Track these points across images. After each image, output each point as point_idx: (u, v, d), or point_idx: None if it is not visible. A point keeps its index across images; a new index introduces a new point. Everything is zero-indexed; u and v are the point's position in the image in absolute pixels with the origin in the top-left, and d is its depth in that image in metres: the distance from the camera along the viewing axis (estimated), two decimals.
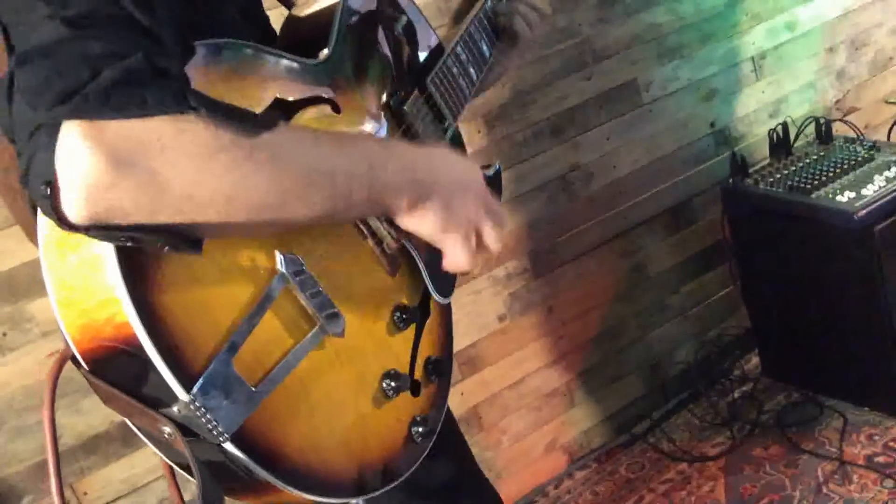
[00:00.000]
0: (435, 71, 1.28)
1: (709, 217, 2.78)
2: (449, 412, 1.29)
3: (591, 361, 2.67)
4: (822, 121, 2.69)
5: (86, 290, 0.83)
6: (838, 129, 2.75)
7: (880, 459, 2.34)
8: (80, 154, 0.74)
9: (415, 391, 1.14)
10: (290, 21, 1.22)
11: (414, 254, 1.18)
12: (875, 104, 3.11)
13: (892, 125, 2.82)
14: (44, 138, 0.74)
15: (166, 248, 0.81)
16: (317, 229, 1.03)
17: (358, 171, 0.93)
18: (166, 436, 0.85)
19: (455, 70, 1.32)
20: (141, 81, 0.76)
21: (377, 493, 1.04)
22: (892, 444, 2.38)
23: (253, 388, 0.88)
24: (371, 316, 1.10)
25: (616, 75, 2.56)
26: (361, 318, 1.07)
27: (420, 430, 1.12)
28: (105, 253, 0.81)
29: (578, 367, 2.65)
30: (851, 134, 2.75)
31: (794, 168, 2.56)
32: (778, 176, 2.54)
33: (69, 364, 0.93)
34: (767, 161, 2.68)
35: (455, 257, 1.05)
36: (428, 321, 1.21)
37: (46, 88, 0.74)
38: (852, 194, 2.33)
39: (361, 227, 1.10)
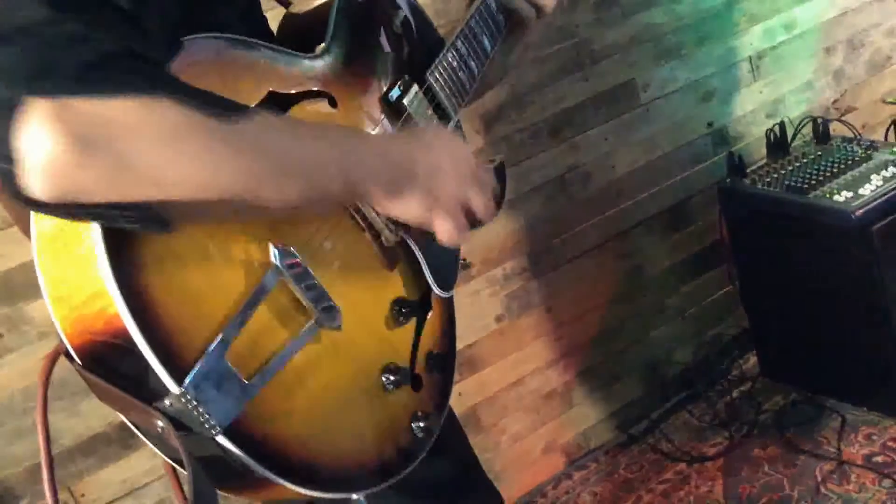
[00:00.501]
0: (435, 64, 1.27)
1: (707, 217, 2.77)
2: (450, 409, 1.29)
3: (590, 362, 2.67)
4: (819, 121, 2.69)
5: (77, 283, 0.83)
6: (836, 128, 2.75)
7: (879, 459, 2.34)
8: (45, 132, 0.73)
9: (415, 386, 1.14)
10: (288, 18, 1.22)
11: (413, 247, 1.17)
12: (872, 104, 3.11)
13: (890, 125, 2.82)
14: (11, 115, 0.74)
15: (131, 226, 0.81)
16: (313, 222, 1.03)
17: (333, 159, 0.93)
18: (159, 430, 0.85)
19: (455, 63, 1.31)
20: (115, 64, 0.76)
21: (377, 489, 1.03)
22: (890, 443, 2.38)
23: (246, 381, 0.88)
24: (369, 309, 1.10)
25: (614, 76, 2.56)
26: (359, 312, 1.06)
27: (421, 425, 1.11)
28: (96, 246, 0.81)
29: (577, 367, 2.65)
30: (849, 134, 2.75)
31: (791, 168, 2.57)
32: (775, 176, 2.54)
33: (67, 366, 0.92)
34: (765, 161, 2.68)
35: (444, 234, 1.05)
36: (429, 315, 1.20)
37: (21, 67, 0.74)
38: (850, 194, 2.33)
39: (359, 219, 1.10)
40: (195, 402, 0.83)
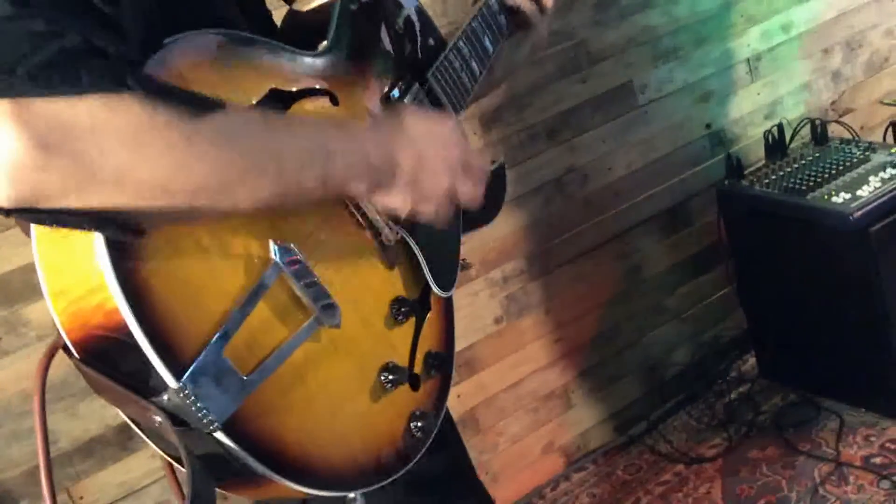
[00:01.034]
0: (436, 65, 1.27)
1: (705, 218, 2.78)
2: (447, 410, 1.29)
3: (588, 363, 2.67)
4: (817, 122, 2.70)
5: (76, 278, 0.83)
6: (834, 130, 2.75)
7: (877, 460, 2.34)
8: (4, 134, 0.71)
9: (414, 385, 1.13)
10: (291, 15, 1.22)
11: (413, 247, 1.17)
12: (870, 105, 3.11)
13: (888, 126, 2.82)
14: None
15: (97, 232, 0.79)
16: (313, 220, 1.02)
17: (310, 156, 0.92)
18: (157, 425, 0.85)
19: (457, 64, 1.31)
20: (76, 61, 0.74)
21: (374, 487, 1.03)
22: (888, 444, 2.38)
23: (245, 378, 0.88)
24: (369, 308, 1.09)
25: (611, 78, 2.56)
26: (359, 310, 1.06)
27: (419, 424, 1.11)
28: (95, 239, 0.81)
29: (575, 368, 2.65)
30: (847, 135, 2.75)
31: (789, 169, 2.57)
32: (773, 177, 2.55)
33: (66, 368, 0.92)
34: (763, 162, 2.68)
35: (433, 221, 1.07)
36: (429, 315, 1.20)
37: None
38: (848, 195, 2.33)
39: (359, 217, 1.10)
40: (193, 398, 0.83)
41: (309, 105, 1.05)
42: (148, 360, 0.82)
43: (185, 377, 0.83)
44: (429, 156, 1.05)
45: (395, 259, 1.15)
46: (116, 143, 0.76)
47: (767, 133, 2.68)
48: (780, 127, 2.68)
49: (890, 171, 2.39)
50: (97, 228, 0.79)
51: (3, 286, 1.81)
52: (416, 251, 1.18)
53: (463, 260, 1.31)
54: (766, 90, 2.87)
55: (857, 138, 2.70)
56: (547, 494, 2.61)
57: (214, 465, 0.88)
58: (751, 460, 2.49)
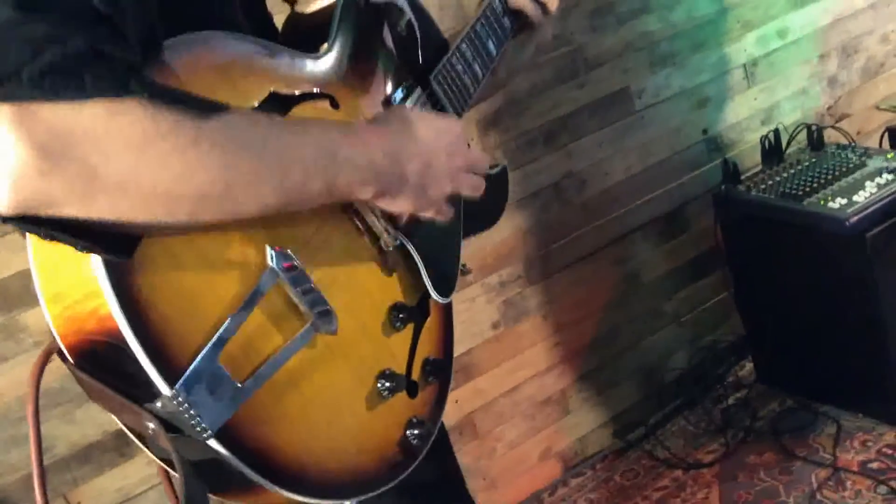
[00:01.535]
0: (439, 68, 1.27)
1: (702, 224, 2.78)
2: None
3: (586, 369, 2.67)
4: (813, 127, 2.70)
5: (71, 283, 0.83)
6: (830, 135, 2.76)
7: (874, 466, 2.34)
8: (7, 140, 0.71)
9: (412, 392, 1.13)
10: (293, 18, 1.21)
11: (413, 252, 1.16)
12: (866, 111, 3.12)
13: (884, 132, 2.83)
14: None
15: (88, 250, 0.78)
16: (310, 225, 1.02)
17: (315, 161, 0.91)
18: (150, 432, 0.85)
19: (460, 67, 1.31)
20: (80, 65, 0.73)
21: (370, 496, 1.03)
22: (885, 450, 2.38)
23: (239, 385, 0.87)
24: (366, 314, 1.09)
25: (608, 83, 2.57)
26: (356, 317, 1.06)
27: (416, 431, 1.10)
28: None
29: (573, 374, 2.65)
30: (843, 140, 2.76)
31: (786, 175, 2.57)
32: (770, 182, 2.55)
33: (63, 374, 0.92)
34: (759, 168, 2.69)
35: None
36: (427, 321, 1.19)
37: None
38: (844, 201, 2.34)
39: (357, 223, 1.09)
40: (186, 405, 0.82)
41: (309, 108, 1.04)
42: (141, 366, 0.81)
43: (178, 384, 0.82)
44: (435, 161, 1.05)
45: (393, 265, 1.14)
46: (120, 149, 0.75)
47: (764, 138, 2.68)
48: (776, 132, 2.69)
49: (886, 176, 2.40)
50: (86, 248, 0.78)
51: (1, 292, 1.81)
52: (414, 257, 1.17)
53: (463, 265, 1.31)
54: (763, 95, 2.87)
55: (853, 144, 2.70)
56: (545, 500, 2.61)
57: (209, 471, 0.88)
58: (748, 465, 2.49)
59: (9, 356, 1.84)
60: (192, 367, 0.83)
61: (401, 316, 1.13)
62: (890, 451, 2.37)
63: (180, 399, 0.82)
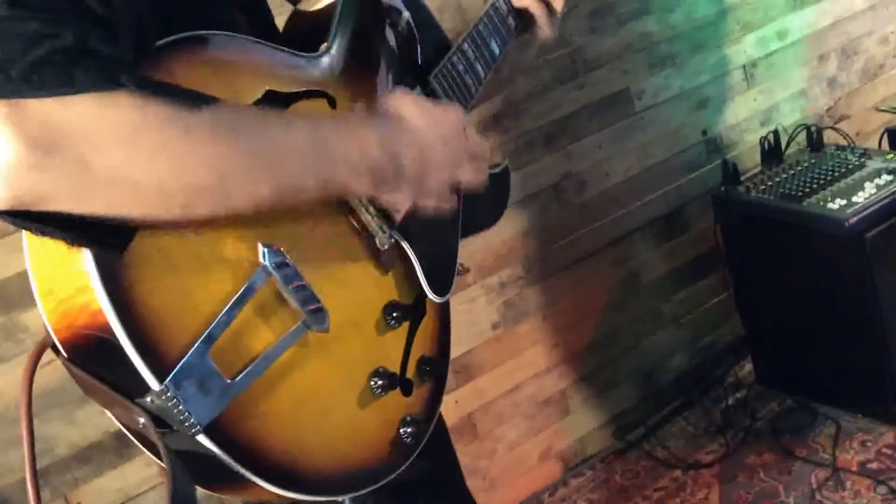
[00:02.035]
0: (439, 67, 1.26)
1: (701, 225, 2.78)
2: (440, 416, 1.28)
3: (586, 369, 2.68)
4: (813, 128, 2.71)
5: (64, 278, 0.83)
6: (829, 136, 2.76)
7: (873, 466, 2.34)
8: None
9: (406, 390, 1.12)
10: (295, 16, 1.21)
11: (408, 251, 1.16)
12: (866, 112, 3.12)
13: (883, 133, 2.83)
14: None
15: (80, 245, 0.79)
16: (304, 223, 1.01)
17: (309, 154, 0.91)
18: (140, 426, 0.85)
19: (461, 67, 1.30)
20: (69, 60, 0.74)
21: (363, 493, 1.03)
22: (885, 450, 2.38)
23: (229, 381, 0.87)
24: (360, 313, 1.08)
25: (608, 84, 2.57)
26: (349, 315, 1.05)
27: (410, 430, 1.10)
28: None
29: (573, 374, 2.66)
30: (842, 141, 2.76)
31: (785, 176, 2.58)
32: (769, 183, 2.55)
33: (62, 374, 0.92)
34: (759, 169, 2.69)
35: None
36: (424, 320, 1.18)
37: None
38: (843, 202, 2.34)
39: (353, 222, 1.09)
40: (175, 400, 0.82)
41: (305, 107, 1.04)
42: (131, 361, 0.81)
43: (167, 379, 0.82)
44: (432, 150, 1.04)
45: (389, 263, 1.14)
46: (111, 142, 0.75)
47: (763, 139, 2.69)
48: (775, 133, 2.69)
49: (885, 177, 2.40)
50: (77, 242, 0.79)
51: (0, 292, 1.81)
52: (410, 255, 1.17)
53: (460, 265, 1.31)
54: (762, 97, 2.88)
55: (852, 145, 2.71)
56: (545, 500, 2.61)
57: (199, 466, 0.88)
58: (748, 466, 2.49)
59: (8, 357, 1.84)
60: (181, 363, 0.84)
61: (395, 314, 1.12)
62: (889, 452, 2.37)
63: (169, 394, 0.82)
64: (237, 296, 0.89)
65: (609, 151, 2.60)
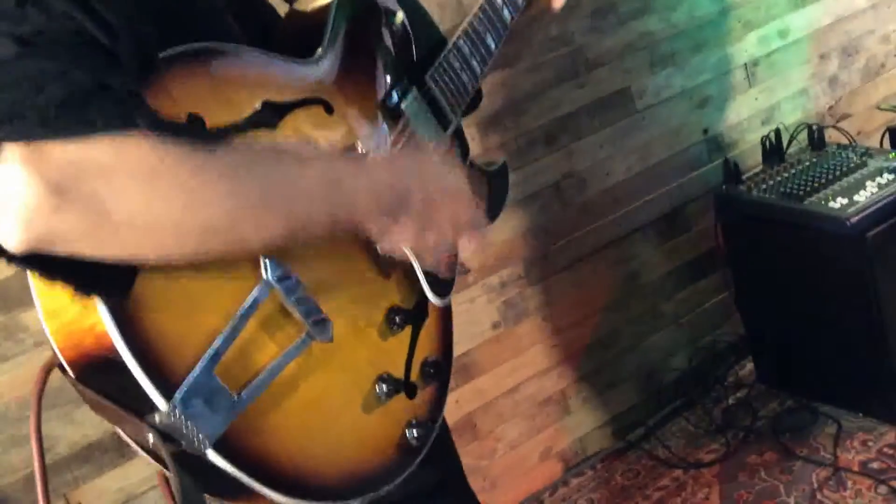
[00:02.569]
0: (435, 66, 1.26)
1: (702, 224, 2.78)
2: (443, 420, 1.28)
3: (586, 369, 2.67)
4: (814, 127, 2.70)
5: (68, 299, 0.83)
6: (831, 135, 2.76)
7: (875, 465, 2.34)
8: (17, 179, 0.71)
9: (410, 394, 1.12)
10: (291, 15, 1.20)
11: (409, 255, 1.15)
12: (867, 111, 3.12)
13: (884, 132, 2.83)
14: None
15: (86, 293, 0.79)
16: None
17: (320, 194, 0.91)
18: (150, 444, 0.85)
19: (457, 65, 1.29)
20: (85, 100, 0.74)
21: (370, 497, 1.03)
22: (886, 449, 2.38)
23: (236, 397, 0.88)
24: (363, 319, 1.08)
25: (609, 83, 2.57)
26: (352, 322, 1.06)
27: (416, 433, 1.10)
28: None
29: (573, 374, 2.65)
30: (844, 140, 2.76)
31: (786, 175, 2.57)
32: (771, 182, 2.55)
33: (62, 377, 0.92)
34: (760, 168, 2.69)
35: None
36: (426, 322, 1.18)
37: None
38: (845, 201, 2.34)
39: None
40: (183, 418, 0.82)
41: (303, 115, 1.04)
42: (138, 382, 0.82)
43: (174, 398, 0.83)
44: (436, 206, 1.03)
45: (390, 267, 1.13)
46: (129, 185, 0.75)
47: (765, 138, 2.68)
48: (777, 132, 2.69)
49: (887, 176, 2.40)
50: (82, 291, 0.79)
51: (1, 292, 1.81)
52: (411, 259, 1.16)
53: (461, 265, 1.30)
54: (764, 95, 2.87)
55: (853, 143, 2.70)
56: (545, 500, 2.61)
57: (209, 479, 0.88)
58: (748, 465, 2.49)
59: (9, 356, 1.84)
60: (187, 381, 0.84)
61: (398, 319, 1.12)
62: (890, 451, 2.37)
63: (177, 413, 0.82)
64: (241, 311, 0.90)
65: (610, 150, 2.60)
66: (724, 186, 2.61)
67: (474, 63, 1.33)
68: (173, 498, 1.07)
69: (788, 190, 2.47)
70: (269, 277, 0.92)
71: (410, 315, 1.15)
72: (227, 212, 0.82)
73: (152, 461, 0.96)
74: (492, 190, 1.41)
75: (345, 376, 1.03)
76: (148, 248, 0.80)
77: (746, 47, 2.81)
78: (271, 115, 0.99)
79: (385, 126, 1.17)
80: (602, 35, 2.53)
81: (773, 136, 2.68)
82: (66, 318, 0.85)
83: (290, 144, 0.99)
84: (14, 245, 0.74)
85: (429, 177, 1.04)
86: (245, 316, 0.90)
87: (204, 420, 0.84)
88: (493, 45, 1.36)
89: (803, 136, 2.73)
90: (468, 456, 2.45)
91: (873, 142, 2.94)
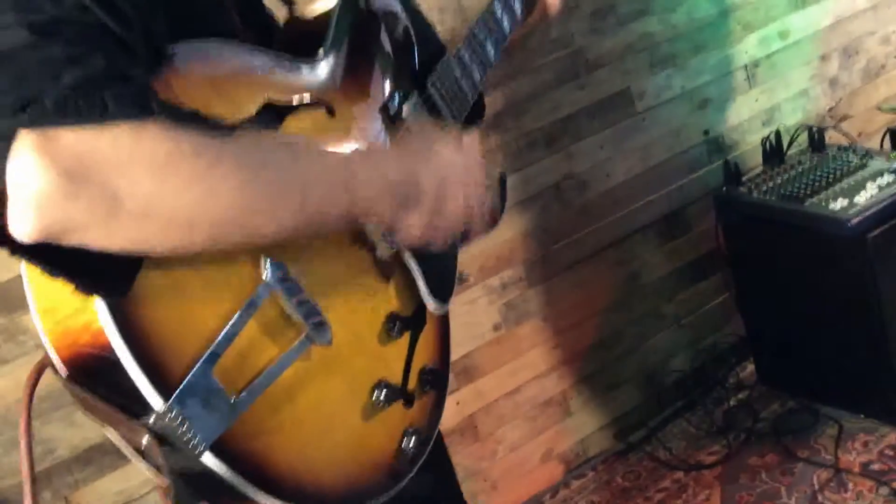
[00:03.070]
0: (436, 73, 1.26)
1: (703, 225, 2.78)
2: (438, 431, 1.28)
3: (587, 370, 2.67)
4: (814, 129, 2.70)
5: (63, 296, 0.82)
6: (831, 137, 2.76)
7: (876, 467, 2.34)
8: (32, 166, 0.71)
9: (408, 402, 1.12)
10: (292, 22, 1.20)
11: (409, 262, 1.16)
12: (868, 112, 3.12)
13: (885, 133, 2.82)
14: (7, 146, 0.72)
15: (87, 291, 0.79)
16: None
17: (334, 185, 0.90)
18: (143, 446, 0.84)
19: (458, 72, 1.30)
20: (100, 87, 0.73)
21: None
22: (887, 451, 2.38)
23: (233, 399, 0.87)
24: (362, 324, 1.08)
25: (609, 85, 2.57)
26: (351, 327, 1.05)
27: (412, 441, 1.10)
28: None
29: (574, 376, 2.65)
30: (844, 142, 2.75)
31: (787, 176, 2.57)
32: (771, 184, 2.55)
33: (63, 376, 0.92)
34: (761, 169, 2.68)
35: (439, 250, 1.07)
36: (424, 330, 1.18)
37: (6, 95, 0.72)
38: (845, 202, 2.33)
39: (353, 231, 1.08)
40: (180, 419, 0.82)
41: (304, 117, 1.03)
42: (134, 381, 0.81)
43: (172, 399, 0.82)
44: (447, 192, 1.03)
45: (390, 274, 1.13)
46: (143, 171, 0.75)
47: (765, 140, 2.68)
48: (777, 134, 2.69)
49: (887, 177, 2.39)
50: (83, 289, 0.79)
51: (2, 294, 1.81)
52: (411, 265, 1.17)
53: (461, 273, 1.30)
54: (764, 97, 2.87)
55: (854, 145, 2.70)
56: (546, 502, 2.61)
57: (202, 482, 0.88)
58: (750, 467, 2.48)
59: (9, 358, 1.84)
60: (185, 382, 0.83)
61: (397, 325, 1.12)
62: (891, 453, 2.37)
63: (174, 414, 0.82)
64: (240, 312, 0.89)
65: (610, 152, 2.60)
66: (724, 188, 2.61)
67: (475, 71, 1.34)
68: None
69: (789, 191, 2.47)
70: (270, 279, 0.92)
71: (409, 322, 1.15)
72: (241, 203, 0.81)
73: (142, 465, 0.94)
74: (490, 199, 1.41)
75: (342, 382, 1.03)
76: (159, 238, 0.79)
77: (747, 48, 2.81)
78: (273, 115, 0.98)
79: (384, 129, 1.17)
80: (602, 36, 2.53)
81: (773, 137, 2.68)
82: (60, 315, 0.84)
83: (301, 137, 0.99)
84: (26, 232, 0.74)
85: (435, 169, 1.04)
86: (245, 316, 0.89)
87: (201, 421, 0.83)
88: (492, 53, 1.37)
89: (804, 137, 2.72)
90: (469, 457, 2.45)
91: (874, 143, 2.94)
